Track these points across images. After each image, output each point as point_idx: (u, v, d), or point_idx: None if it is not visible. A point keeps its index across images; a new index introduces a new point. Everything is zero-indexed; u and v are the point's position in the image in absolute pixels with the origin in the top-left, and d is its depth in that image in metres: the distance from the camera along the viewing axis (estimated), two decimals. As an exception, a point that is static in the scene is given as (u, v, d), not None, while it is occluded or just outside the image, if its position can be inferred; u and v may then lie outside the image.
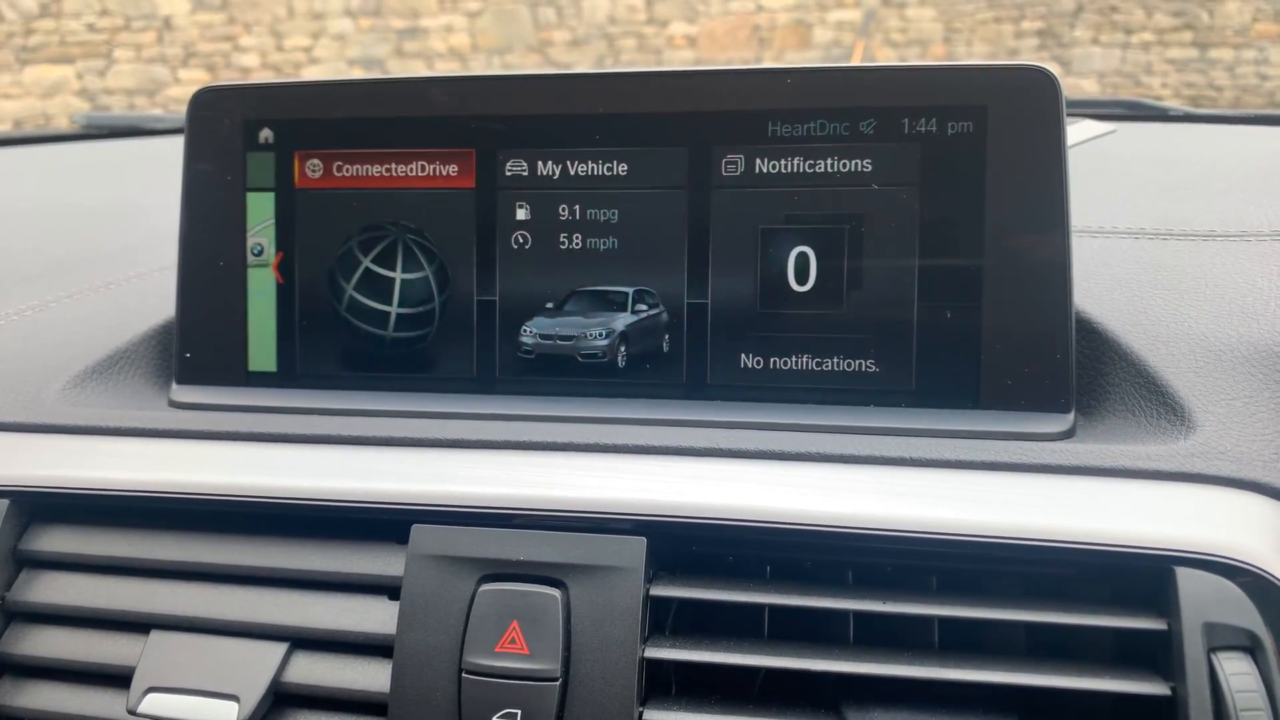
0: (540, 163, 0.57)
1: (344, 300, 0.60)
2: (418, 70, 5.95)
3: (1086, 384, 0.55)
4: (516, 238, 0.58)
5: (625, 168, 0.56)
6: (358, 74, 5.94)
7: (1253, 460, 0.47)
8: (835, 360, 0.55)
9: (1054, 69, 0.52)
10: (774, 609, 0.47)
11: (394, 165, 0.59)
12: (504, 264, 0.58)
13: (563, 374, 0.57)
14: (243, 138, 0.60)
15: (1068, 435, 0.51)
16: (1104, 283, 0.59)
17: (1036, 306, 0.52)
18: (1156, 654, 0.43)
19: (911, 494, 0.47)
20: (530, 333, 0.58)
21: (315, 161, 0.60)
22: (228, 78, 5.94)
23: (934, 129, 0.53)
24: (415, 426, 0.54)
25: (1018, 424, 0.52)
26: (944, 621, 0.46)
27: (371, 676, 0.48)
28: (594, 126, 0.56)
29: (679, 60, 5.84)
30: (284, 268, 0.60)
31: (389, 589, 0.50)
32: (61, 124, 5.79)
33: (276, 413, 0.58)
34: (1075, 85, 5.47)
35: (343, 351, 0.60)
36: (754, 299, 0.55)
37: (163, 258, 0.75)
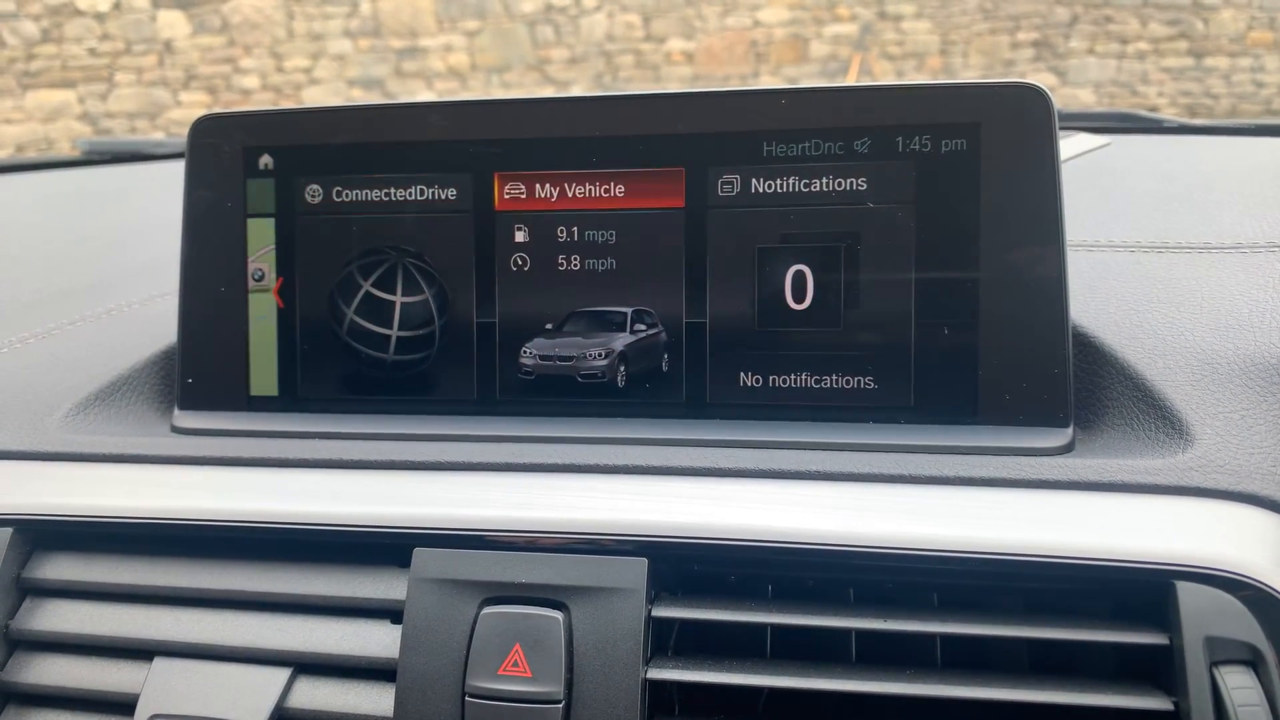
0: (538, 185, 0.58)
1: (345, 324, 0.60)
2: (417, 89, 5.98)
3: (1084, 398, 0.55)
4: (515, 260, 0.58)
5: (622, 189, 0.57)
6: (357, 94, 5.97)
7: (1251, 473, 0.47)
8: (834, 377, 0.55)
9: (1050, 80, 0.53)
10: (776, 628, 0.47)
11: (393, 190, 0.59)
12: (503, 286, 0.58)
13: (563, 394, 0.58)
14: (243, 164, 0.61)
15: (1066, 450, 0.51)
16: (1100, 296, 0.59)
17: (1033, 321, 0.52)
18: (1159, 668, 0.43)
19: (912, 511, 0.47)
20: (530, 354, 0.58)
21: (315, 187, 0.60)
22: (228, 99, 5.98)
23: (928, 147, 0.53)
24: (416, 450, 0.54)
25: (1016, 439, 0.52)
26: (946, 638, 0.46)
27: (375, 701, 0.48)
28: (591, 149, 0.57)
29: (677, 76, 5.87)
30: (285, 292, 0.61)
31: (391, 613, 0.50)
32: (64, 148, 5.82)
33: (278, 437, 0.58)
34: (1071, 96, 5.48)
35: (344, 375, 0.60)
36: (752, 318, 0.56)
37: (164, 284, 0.76)
